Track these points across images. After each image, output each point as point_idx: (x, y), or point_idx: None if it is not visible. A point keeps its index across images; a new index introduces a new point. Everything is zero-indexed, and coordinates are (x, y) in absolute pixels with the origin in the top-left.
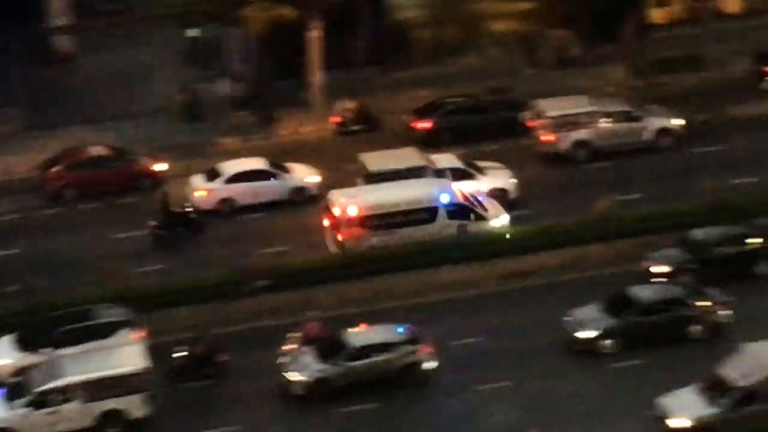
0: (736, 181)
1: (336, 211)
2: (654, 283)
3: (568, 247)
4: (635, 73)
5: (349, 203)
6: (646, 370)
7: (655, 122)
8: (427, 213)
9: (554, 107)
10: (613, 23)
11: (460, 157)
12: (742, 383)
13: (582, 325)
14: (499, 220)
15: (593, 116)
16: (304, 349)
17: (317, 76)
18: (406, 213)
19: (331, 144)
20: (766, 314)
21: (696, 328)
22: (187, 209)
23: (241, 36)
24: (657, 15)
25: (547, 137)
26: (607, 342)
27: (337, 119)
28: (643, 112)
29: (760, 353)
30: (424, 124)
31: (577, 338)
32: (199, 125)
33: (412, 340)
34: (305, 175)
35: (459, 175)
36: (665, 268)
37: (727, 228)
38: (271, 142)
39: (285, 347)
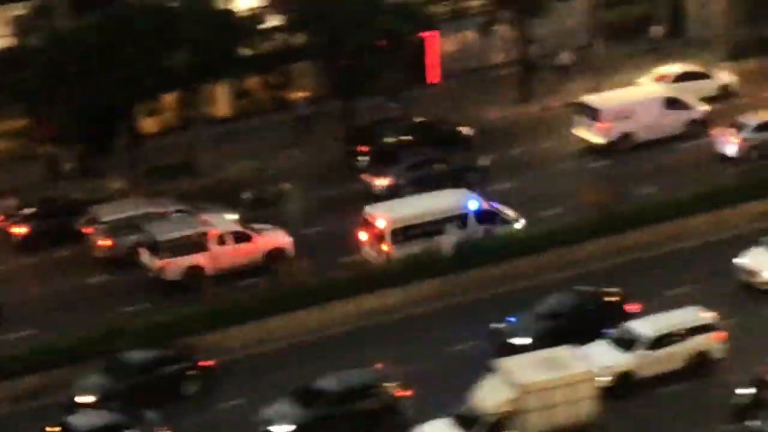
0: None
1: (379, 224)
2: (85, 412)
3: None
4: (133, 182)
5: (391, 215)
6: None
7: (214, 221)
8: (458, 220)
9: (108, 212)
10: (108, 135)
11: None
12: None
13: None
14: (519, 224)
15: (147, 218)
16: None
17: None
18: (442, 221)
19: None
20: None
21: None
22: None
23: None
24: (149, 124)
25: (103, 242)
26: None
27: (1, 218)
28: (196, 210)
29: None
30: (21, 229)
31: None
32: None
33: None
34: None
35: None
36: (91, 398)
37: (153, 351)
38: None
39: None
